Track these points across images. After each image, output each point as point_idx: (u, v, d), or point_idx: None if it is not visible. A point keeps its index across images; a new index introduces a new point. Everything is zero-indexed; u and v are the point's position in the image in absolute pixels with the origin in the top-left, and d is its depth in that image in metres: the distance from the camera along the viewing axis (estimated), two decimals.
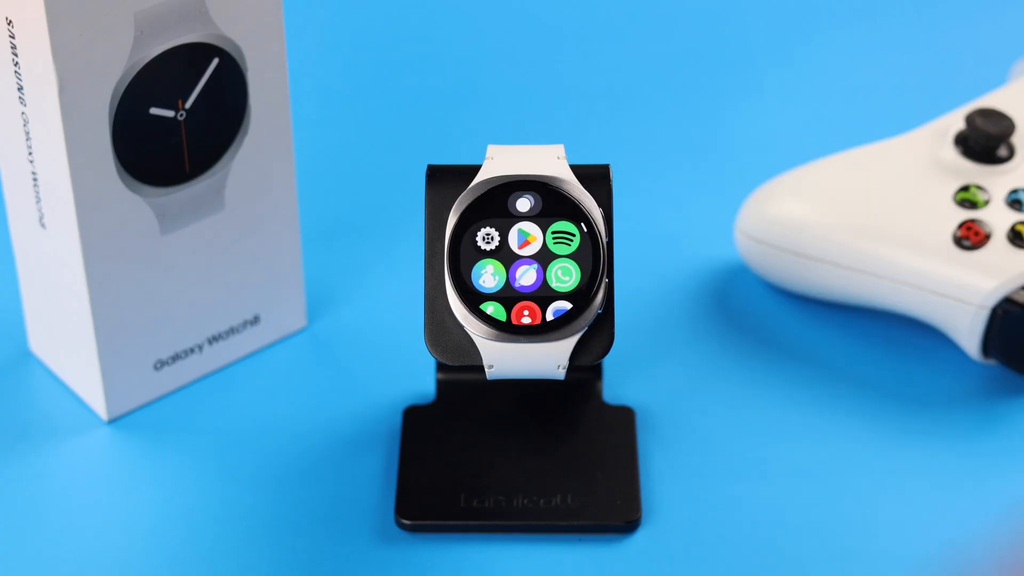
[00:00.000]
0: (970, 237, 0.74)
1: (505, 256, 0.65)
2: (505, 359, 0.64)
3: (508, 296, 0.64)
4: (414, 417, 0.73)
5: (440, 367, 0.73)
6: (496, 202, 0.65)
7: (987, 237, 0.74)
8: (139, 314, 0.72)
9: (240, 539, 0.68)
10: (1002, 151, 0.77)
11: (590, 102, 0.93)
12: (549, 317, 0.64)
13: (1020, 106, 0.80)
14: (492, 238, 0.65)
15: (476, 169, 0.65)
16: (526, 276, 0.64)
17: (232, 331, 0.76)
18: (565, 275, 0.64)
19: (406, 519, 0.68)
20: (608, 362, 0.74)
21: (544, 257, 0.64)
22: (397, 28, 0.98)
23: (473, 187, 0.64)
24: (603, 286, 0.64)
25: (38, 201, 0.70)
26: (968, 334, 0.74)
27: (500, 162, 0.65)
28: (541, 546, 0.68)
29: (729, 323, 0.79)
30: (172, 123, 0.69)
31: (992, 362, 0.75)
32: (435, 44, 0.97)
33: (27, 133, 0.68)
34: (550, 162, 0.65)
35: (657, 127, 0.91)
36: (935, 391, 0.75)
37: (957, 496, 0.70)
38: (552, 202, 0.65)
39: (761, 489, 0.70)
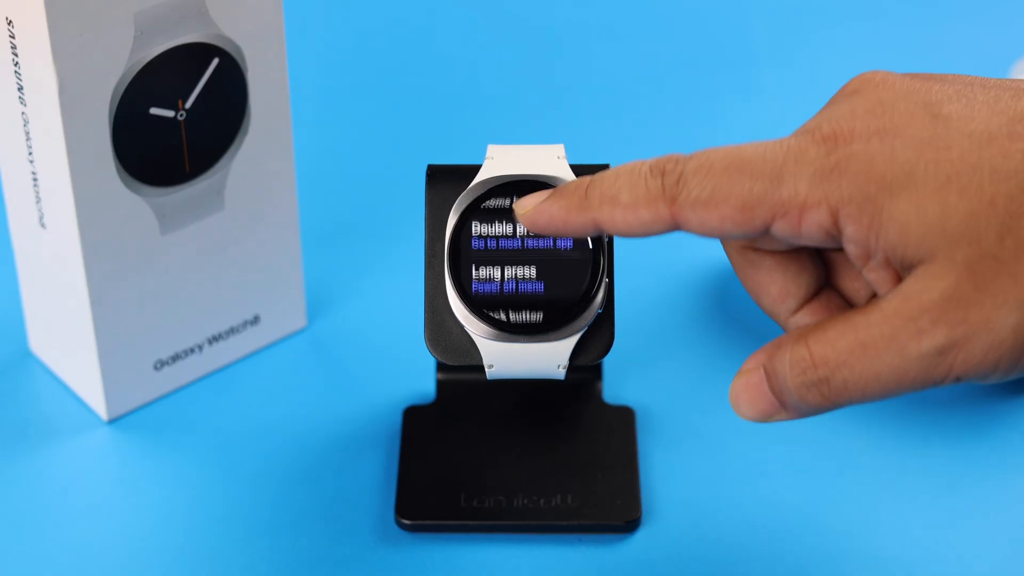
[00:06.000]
0: None
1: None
2: (505, 359, 0.64)
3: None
4: (414, 417, 0.73)
5: (440, 367, 0.73)
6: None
7: None
8: (139, 314, 0.72)
9: (240, 539, 0.68)
10: None
11: (589, 102, 0.93)
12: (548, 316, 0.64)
13: None
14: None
15: (476, 169, 0.65)
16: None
17: (232, 331, 0.76)
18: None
19: (406, 519, 0.68)
20: (608, 362, 0.74)
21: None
22: (397, 29, 0.98)
23: (473, 187, 0.64)
24: (603, 286, 0.64)
25: (38, 201, 0.70)
26: None
27: (500, 162, 0.65)
28: (541, 546, 0.68)
29: (729, 323, 0.79)
30: (172, 123, 0.69)
31: None
32: (435, 45, 0.97)
33: (27, 133, 0.68)
34: (550, 162, 0.65)
35: (657, 127, 0.91)
36: (935, 391, 0.75)
37: (957, 496, 0.70)
38: None
39: (761, 489, 0.70)
